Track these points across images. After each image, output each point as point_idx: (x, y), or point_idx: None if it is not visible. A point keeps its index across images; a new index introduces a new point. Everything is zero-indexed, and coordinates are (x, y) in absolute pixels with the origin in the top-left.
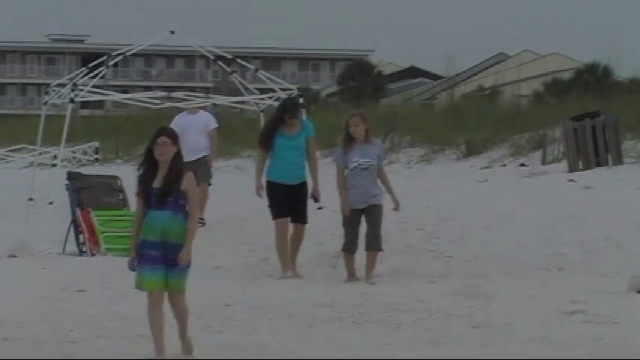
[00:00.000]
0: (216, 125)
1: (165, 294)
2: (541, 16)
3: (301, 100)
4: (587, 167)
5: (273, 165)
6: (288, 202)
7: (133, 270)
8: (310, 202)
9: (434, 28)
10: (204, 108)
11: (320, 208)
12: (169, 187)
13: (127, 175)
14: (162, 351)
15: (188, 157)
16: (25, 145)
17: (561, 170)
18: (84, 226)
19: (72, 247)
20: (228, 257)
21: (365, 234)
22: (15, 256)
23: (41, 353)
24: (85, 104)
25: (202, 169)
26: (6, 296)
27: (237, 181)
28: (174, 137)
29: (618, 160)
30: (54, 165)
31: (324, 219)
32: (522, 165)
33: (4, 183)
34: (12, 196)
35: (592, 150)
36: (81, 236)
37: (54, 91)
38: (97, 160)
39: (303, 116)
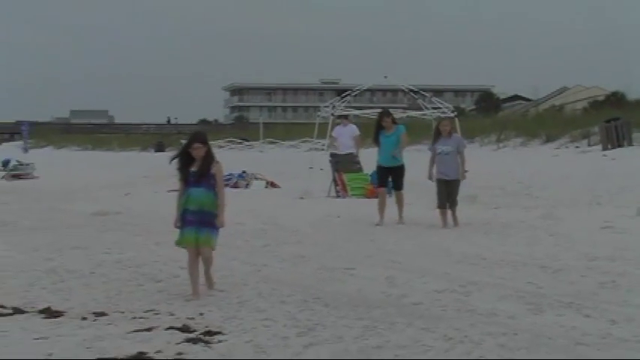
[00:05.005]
0: (359, 133)
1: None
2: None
3: (455, 113)
4: (612, 148)
5: (379, 155)
6: (391, 177)
7: (177, 227)
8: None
9: (526, 69)
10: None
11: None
12: (204, 170)
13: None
14: (197, 292)
15: (342, 150)
16: (306, 139)
17: (598, 150)
18: (339, 181)
19: (332, 193)
20: (422, 209)
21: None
22: (303, 198)
23: (318, 250)
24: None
25: (351, 162)
26: (298, 219)
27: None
28: (204, 142)
29: (629, 144)
30: (322, 149)
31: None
32: (576, 147)
33: (297, 160)
34: (321, 166)
35: (614, 138)
36: (337, 187)
37: (324, 109)
38: None
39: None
